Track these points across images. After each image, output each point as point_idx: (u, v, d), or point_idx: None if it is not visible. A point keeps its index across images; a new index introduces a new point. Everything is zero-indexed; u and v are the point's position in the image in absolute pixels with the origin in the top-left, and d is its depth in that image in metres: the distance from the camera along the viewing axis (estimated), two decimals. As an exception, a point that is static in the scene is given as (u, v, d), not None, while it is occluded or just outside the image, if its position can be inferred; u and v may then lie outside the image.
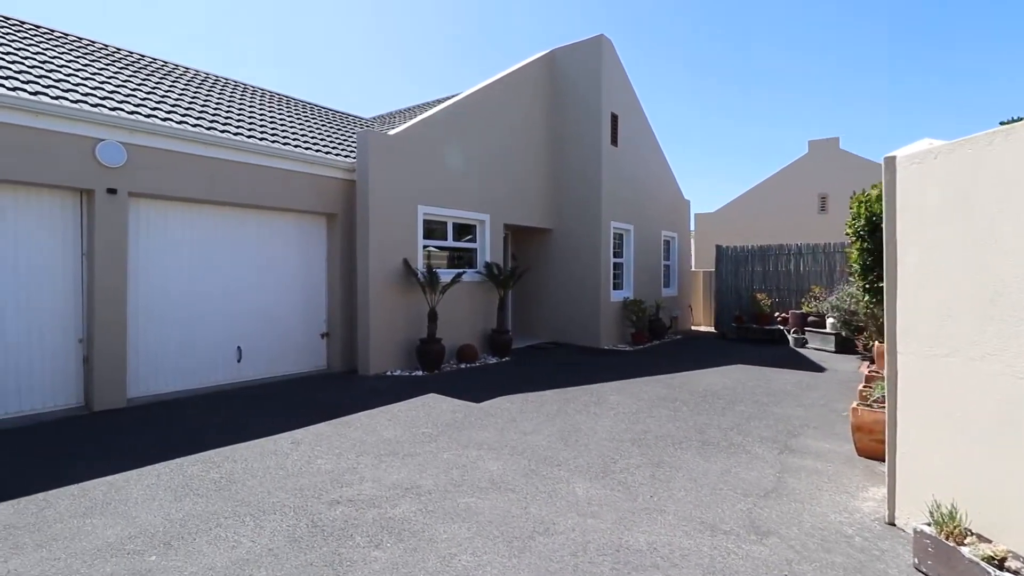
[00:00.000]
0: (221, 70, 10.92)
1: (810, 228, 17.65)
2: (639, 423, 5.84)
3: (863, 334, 10.23)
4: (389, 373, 8.43)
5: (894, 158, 3.61)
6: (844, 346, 10.94)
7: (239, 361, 7.68)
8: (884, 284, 3.70)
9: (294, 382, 7.86)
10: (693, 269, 17.13)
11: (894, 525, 3.52)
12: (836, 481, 4.33)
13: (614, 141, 12.04)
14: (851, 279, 9.90)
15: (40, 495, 3.84)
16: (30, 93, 5.85)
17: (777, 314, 13.13)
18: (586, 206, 11.76)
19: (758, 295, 13.28)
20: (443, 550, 3.16)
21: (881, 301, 8.27)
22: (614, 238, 12.20)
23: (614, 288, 12.18)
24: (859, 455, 4.92)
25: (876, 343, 8.17)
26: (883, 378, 5.99)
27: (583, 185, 11.81)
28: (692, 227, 17.74)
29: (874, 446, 4.83)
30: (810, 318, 11.81)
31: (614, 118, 12.06)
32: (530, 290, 12.34)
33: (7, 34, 7.90)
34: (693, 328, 16.07)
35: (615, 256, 12.31)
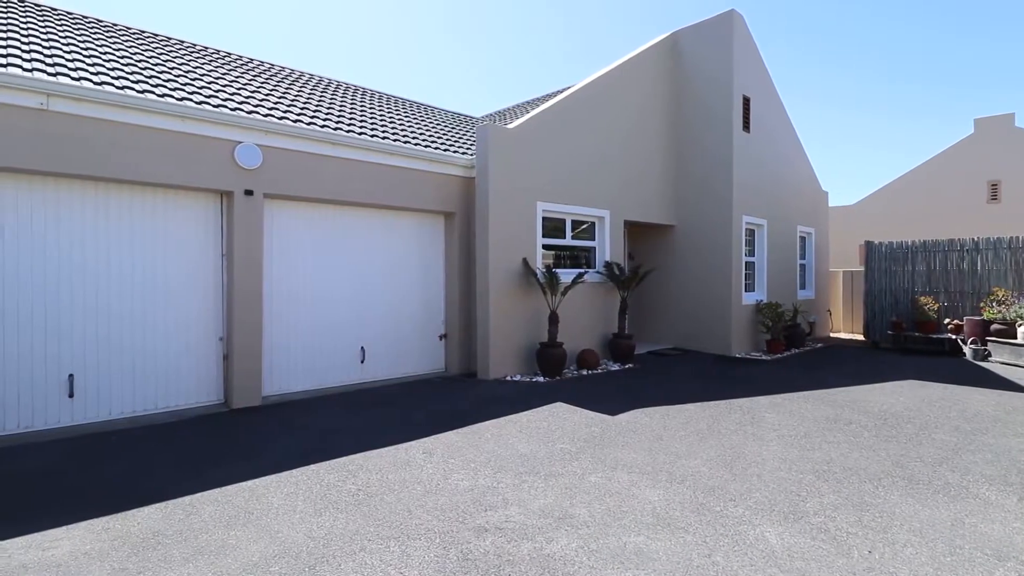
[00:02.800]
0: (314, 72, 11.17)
1: (977, 221, 15.16)
2: (815, 450, 4.91)
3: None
4: (508, 378, 8.03)
5: None
6: (1043, 361, 9.02)
7: (362, 362, 7.62)
8: None
9: (415, 384, 7.68)
10: (831, 269, 15.27)
11: None
12: None
13: (746, 127, 10.88)
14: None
15: (186, 499, 3.75)
16: (176, 99, 6.06)
17: (947, 321, 11.22)
18: (714, 199, 10.71)
19: (921, 299, 11.42)
20: (624, 608, 2.57)
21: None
22: (745, 234, 11.01)
23: (745, 290, 11.00)
24: None
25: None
26: None
27: (711, 176, 10.78)
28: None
29: None
30: (994, 326, 9.91)
31: (746, 101, 10.90)
32: (649, 292, 11.47)
33: (153, 44, 8.45)
34: (832, 335, 14.30)
35: (746, 255, 11.12)
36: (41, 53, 6.09)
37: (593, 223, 9.80)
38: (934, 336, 11.03)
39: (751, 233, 11.42)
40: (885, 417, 6.01)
